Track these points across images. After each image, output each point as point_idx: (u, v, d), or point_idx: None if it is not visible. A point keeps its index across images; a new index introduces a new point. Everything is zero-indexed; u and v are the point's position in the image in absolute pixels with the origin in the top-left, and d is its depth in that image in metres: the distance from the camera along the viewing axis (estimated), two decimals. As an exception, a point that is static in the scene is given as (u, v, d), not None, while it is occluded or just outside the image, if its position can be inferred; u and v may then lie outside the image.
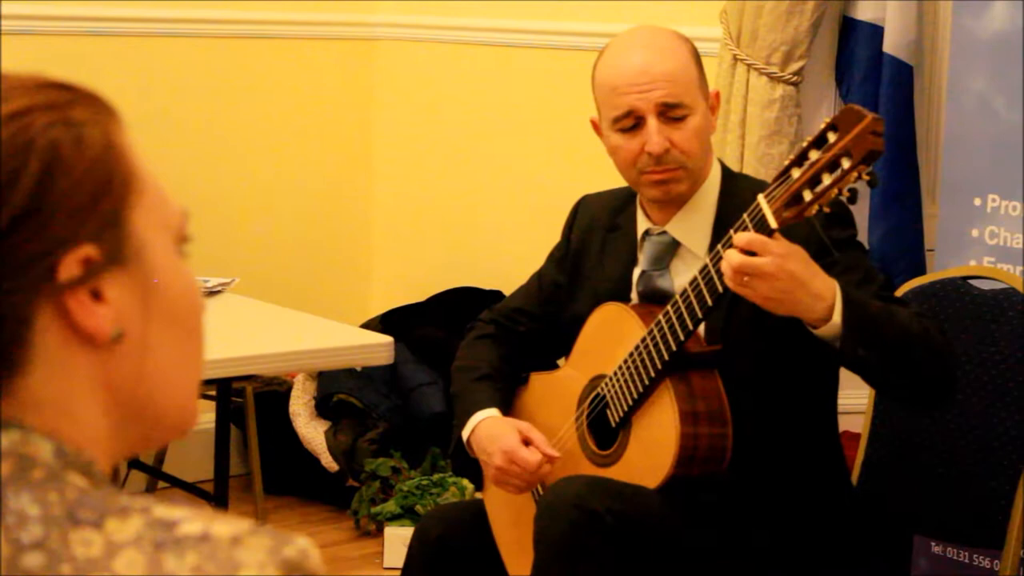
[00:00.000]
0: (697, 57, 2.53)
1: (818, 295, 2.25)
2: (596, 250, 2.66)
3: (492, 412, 2.64)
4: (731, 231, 2.29)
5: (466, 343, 2.80)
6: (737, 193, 2.49)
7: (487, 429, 2.61)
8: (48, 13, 4.40)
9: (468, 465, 2.70)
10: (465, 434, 2.63)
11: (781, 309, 2.27)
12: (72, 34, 4.44)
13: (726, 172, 2.58)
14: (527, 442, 2.56)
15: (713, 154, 2.59)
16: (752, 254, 2.23)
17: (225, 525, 0.91)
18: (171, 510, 0.91)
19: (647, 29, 2.58)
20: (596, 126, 2.59)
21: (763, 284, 2.23)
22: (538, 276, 2.79)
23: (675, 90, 2.46)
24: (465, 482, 4.13)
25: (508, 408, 2.68)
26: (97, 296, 0.96)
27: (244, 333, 3.23)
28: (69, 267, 0.95)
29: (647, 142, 2.46)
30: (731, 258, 2.25)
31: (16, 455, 0.93)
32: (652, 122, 2.46)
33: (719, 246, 2.32)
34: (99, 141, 0.97)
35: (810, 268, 2.26)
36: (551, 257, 2.78)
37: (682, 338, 2.38)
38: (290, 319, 3.49)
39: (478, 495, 2.82)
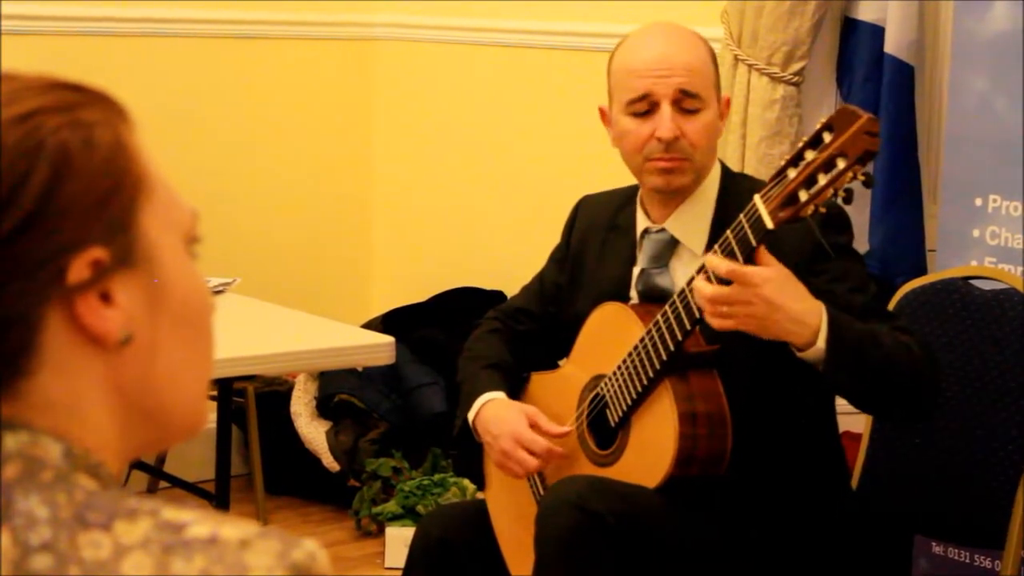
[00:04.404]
0: (715, 60, 2.57)
1: (799, 320, 2.25)
2: (596, 250, 2.66)
3: (499, 395, 2.63)
4: (715, 247, 2.29)
5: (474, 337, 2.80)
6: (736, 192, 2.49)
7: (493, 411, 2.61)
8: (48, 13, 4.39)
9: (470, 456, 2.70)
10: (471, 415, 2.63)
11: (764, 334, 2.27)
12: (71, 34, 4.43)
13: (726, 172, 2.58)
14: (533, 426, 2.57)
15: (716, 155, 2.59)
16: (728, 282, 2.24)
17: (233, 528, 0.91)
18: (180, 513, 0.91)
19: (669, 23, 2.62)
20: (604, 115, 2.59)
21: (739, 312, 2.24)
22: (540, 277, 2.79)
23: (694, 80, 2.49)
24: (466, 482, 4.13)
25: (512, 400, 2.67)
26: (106, 298, 0.96)
27: (245, 333, 3.23)
28: (78, 269, 0.95)
29: (658, 127, 2.46)
30: (703, 290, 2.25)
31: (25, 457, 0.93)
32: (666, 108, 2.47)
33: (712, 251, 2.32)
34: (109, 143, 0.97)
35: (791, 292, 2.25)
36: (552, 258, 2.78)
37: (680, 338, 2.38)
38: (291, 319, 3.49)
39: (479, 495, 2.82)
